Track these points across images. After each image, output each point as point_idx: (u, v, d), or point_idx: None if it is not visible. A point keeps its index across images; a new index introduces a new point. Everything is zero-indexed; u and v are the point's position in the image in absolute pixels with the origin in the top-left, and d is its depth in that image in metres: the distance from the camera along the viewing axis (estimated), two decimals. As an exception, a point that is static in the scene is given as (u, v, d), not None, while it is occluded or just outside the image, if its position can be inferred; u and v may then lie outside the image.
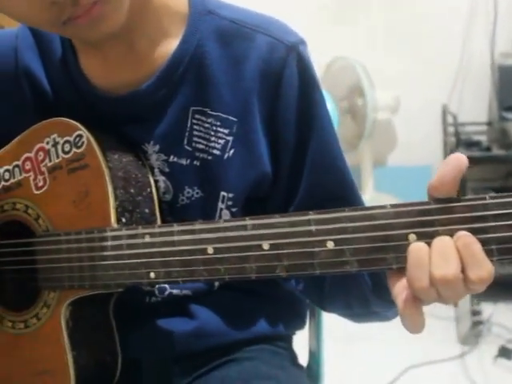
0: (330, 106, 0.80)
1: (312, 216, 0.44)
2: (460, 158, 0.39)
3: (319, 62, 2.22)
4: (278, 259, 0.45)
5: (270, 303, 0.66)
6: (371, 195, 2.37)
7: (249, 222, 0.46)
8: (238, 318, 0.63)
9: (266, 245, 0.45)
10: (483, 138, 2.15)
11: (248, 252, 0.46)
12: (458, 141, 2.06)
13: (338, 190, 0.61)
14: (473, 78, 2.26)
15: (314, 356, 0.76)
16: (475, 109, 2.25)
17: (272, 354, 0.64)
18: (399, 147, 2.47)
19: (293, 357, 0.69)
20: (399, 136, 2.46)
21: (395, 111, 2.30)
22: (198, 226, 0.48)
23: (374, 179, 2.39)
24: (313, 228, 0.44)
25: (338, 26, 2.38)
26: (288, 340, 0.70)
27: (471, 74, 2.26)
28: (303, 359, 0.75)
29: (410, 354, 1.62)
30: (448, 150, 2.07)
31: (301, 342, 0.77)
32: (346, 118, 2.27)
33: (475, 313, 1.74)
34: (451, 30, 2.24)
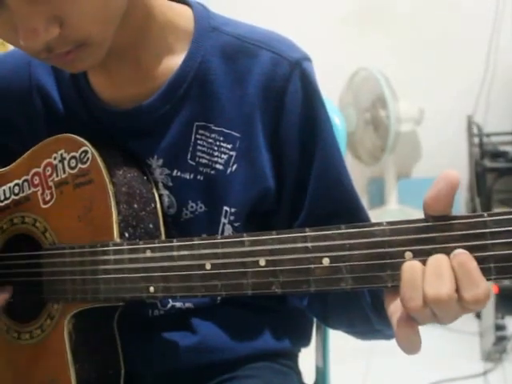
0: (340, 121, 0.80)
1: (308, 233, 0.43)
2: (451, 175, 0.38)
3: (342, 73, 2.24)
4: (273, 275, 0.44)
5: (274, 318, 0.65)
6: (395, 208, 2.34)
7: (246, 238, 0.46)
8: (240, 333, 0.62)
9: (262, 261, 0.45)
10: (510, 149, 2.10)
11: (245, 268, 0.45)
12: (482, 152, 2.01)
13: (343, 205, 0.60)
14: (498, 88, 2.22)
15: (320, 373, 0.75)
16: (501, 119, 2.20)
17: (274, 372, 0.64)
18: (424, 159, 2.44)
19: (297, 375, 0.68)
20: (424, 147, 2.42)
21: (419, 122, 2.27)
22: (196, 242, 0.48)
23: (398, 192, 2.36)
24: (309, 245, 0.43)
25: (361, 38, 2.37)
26: (292, 357, 0.69)
27: (497, 84, 2.22)
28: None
29: (431, 371, 1.59)
30: (473, 162, 2.03)
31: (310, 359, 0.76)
32: (368, 129, 2.26)
33: (499, 327, 1.69)
34: (476, 40, 2.21)
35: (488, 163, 1.96)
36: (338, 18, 2.41)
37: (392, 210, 2.32)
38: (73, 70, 0.54)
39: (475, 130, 2.12)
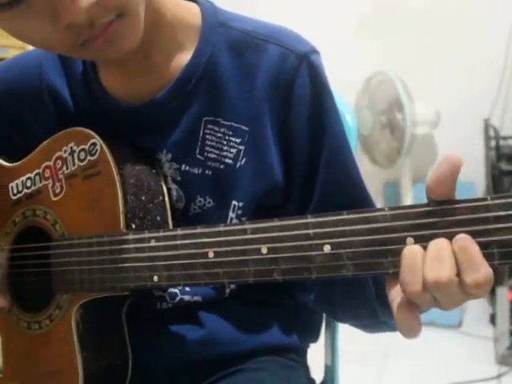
0: (351, 119, 0.80)
1: (310, 219, 0.44)
2: (454, 158, 0.38)
3: (358, 76, 2.23)
4: (275, 263, 0.44)
5: (282, 313, 0.65)
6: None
7: (248, 226, 0.46)
8: (248, 327, 0.62)
9: (264, 249, 0.45)
10: (527, 152, 2.07)
11: (247, 256, 0.46)
12: (498, 155, 1.99)
13: (350, 196, 0.60)
14: (516, 90, 2.19)
15: (329, 370, 0.75)
16: (519, 122, 2.17)
17: (281, 365, 0.64)
18: (440, 162, 2.41)
19: (304, 370, 0.68)
20: (440, 151, 2.40)
21: (436, 125, 2.26)
22: (199, 230, 0.49)
23: (414, 195, 2.34)
24: (310, 232, 0.43)
25: (377, 40, 2.37)
26: (300, 353, 0.69)
27: (514, 86, 2.19)
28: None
29: (445, 373, 1.57)
30: (490, 165, 2.01)
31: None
32: (384, 132, 2.25)
33: (514, 332, 1.66)
34: (493, 42, 2.19)
35: (504, 166, 1.94)
36: (353, 21, 2.41)
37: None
38: (116, 50, 0.51)
39: (492, 133, 2.09)
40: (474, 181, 2.20)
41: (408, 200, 2.32)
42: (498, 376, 1.60)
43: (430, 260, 0.38)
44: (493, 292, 1.89)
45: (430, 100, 2.19)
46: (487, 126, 2.12)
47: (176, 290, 0.61)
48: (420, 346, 1.56)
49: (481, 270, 0.36)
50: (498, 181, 2.04)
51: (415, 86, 2.12)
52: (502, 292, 1.77)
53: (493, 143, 2.08)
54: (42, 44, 0.51)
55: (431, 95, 2.22)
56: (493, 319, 1.86)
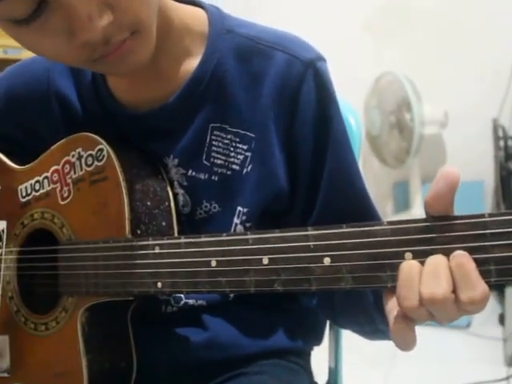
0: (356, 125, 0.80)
1: (311, 232, 0.44)
2: (451, 174, 0.38)
3: (367, 76, 2.23)
4: (276, 274, 0.45)
5: (285, 317, 0.66)
6: (420, 212, 2.31)
7: (250, 236, 0.47)
8: (252, 331, 0.63)
9: (265, 259, 0.46)
10: (536, 153, 2.06)
11: (248, 266, 0.46)
12: (507, 154, 1.99)
13: (354, 206, 0.61)
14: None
15: (333, 373, 0.75)
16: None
17: (283, 369, 0.64)
18: (449, 162, 2.41)
19: (307, 374, 0.69)
20: (449, 151, 2.40)
21: (444, 125, 2.25)
22: (203, 239, 0.49)
23: (422, 195, 2.34)
24: (311, 244, 0.44)
25: (386, 41, 2.36)
26: (304, 356, 0.69)
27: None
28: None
29: (454, 375, 1.56)
30: (498, 165, 2.01)
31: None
32: (393, 132, 2.24)
33: (523, 333, 1.66)
34: (501, 41, 2.17)
35: (512, 167, 1.93)
36: (361, 21, 2.40)
37: (417, 214, 2.30)
38: (128, 65, 0.52)
39: (500, 133, 2.08)
40: (482, 180, 2.20)
41: (417, 200, 2.32)
42: (508, 377, 1.59)
43: (426, 276, 0.38)
44: (502, 292, 1.89)
45: (438, 100, 2.19)
46: (496, 125, 2.11)
47: (180, 294, 0.62)
48: (428, 347, 1.56)
49: (477, 287, 0.37)
50: (506, 181, 2.03)
51: (424, 86, 2.11)
52: (511, 292, 1.77)
53: (501, 143, 2.07)
54: (55, 58, 0.51)
55: (440, 95, 2.21)
56: (502, 320, 1.85)
